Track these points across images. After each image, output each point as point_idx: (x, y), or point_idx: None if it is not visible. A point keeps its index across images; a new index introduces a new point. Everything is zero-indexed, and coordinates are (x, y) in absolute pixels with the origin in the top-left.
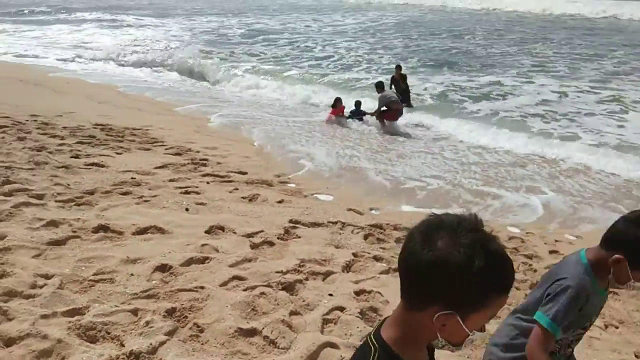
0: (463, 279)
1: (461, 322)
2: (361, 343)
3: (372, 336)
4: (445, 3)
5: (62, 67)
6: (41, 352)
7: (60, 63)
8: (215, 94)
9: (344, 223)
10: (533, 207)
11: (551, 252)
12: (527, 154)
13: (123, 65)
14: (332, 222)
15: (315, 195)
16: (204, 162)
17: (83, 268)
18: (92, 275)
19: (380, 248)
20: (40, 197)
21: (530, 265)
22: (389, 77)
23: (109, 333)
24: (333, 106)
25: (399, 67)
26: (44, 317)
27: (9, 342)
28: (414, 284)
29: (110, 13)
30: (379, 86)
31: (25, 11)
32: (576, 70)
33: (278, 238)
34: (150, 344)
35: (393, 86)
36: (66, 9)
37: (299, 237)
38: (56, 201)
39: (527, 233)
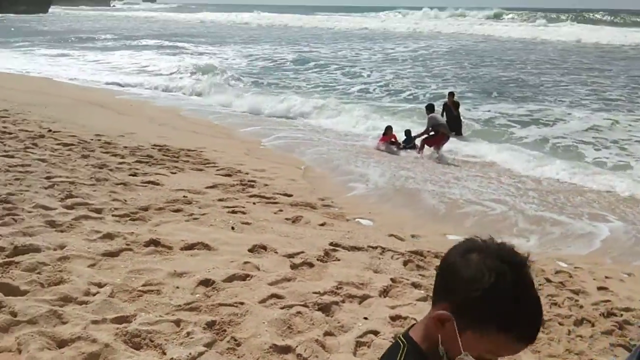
0: (473, 290)
1: (457, 331)
2: (391, 342)
3: (401, 335)
4: (498, 33)
5: (126, 91)
6: (90, 355)
7: (123, 87)
8: (276, 119)
9: (384, 248)
10: (592, 237)
11: (599, 288)
12: (579, 182)
13: (184, 93)
14: (372, 247)
15: (357, 219)
16: (252, 183)
17: (133, 279)
18: (141, 286)
19: (420, 275)
20: (99, 211)
21: (577, 300)
22: (440, 103)
23: (152, 341)
24: (384, 134)
25: (451, 94)
26: (95, 322)
27: (61, 343)
28: (437, 278)
29: (170, 40)
30: (429, 108)
31: (94, 38)
32: (631, 99)
33: (318, 260)
34: (190, 354)
35: (445, 113)
36: (130, 37)
37: (338, 260)
38: (113, 215)
39: (575, 267)
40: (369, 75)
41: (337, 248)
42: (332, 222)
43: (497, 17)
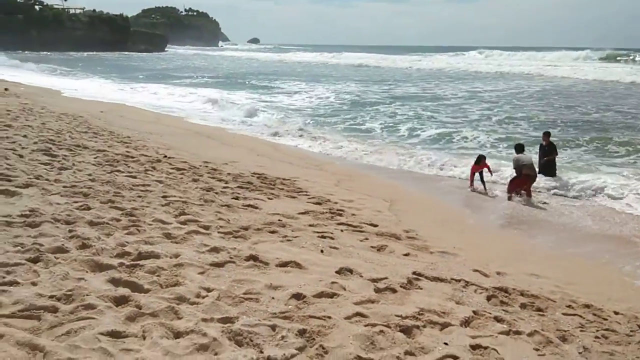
0: None
1: None
2: None
3: None
4: (592, 76)
5: (228, 124)
6: (200, 346)
7: (225, 122)
8: (365, 155)
9: (467, 282)
10: None
11: None
12: None
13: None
14: (456, 280)
15: (442, 252)
16: (340, 212)
17: (235, 287)
18: (242, 293)
19: (503, 310)
20: (206, 227)
21: None
22: (534, 143)
23: (252, 340)
24: (476, 162)
25: (547, 134)
26: (204, 320)
27: (177, 335)
28: None
29: (268, 80)
30: (517, 148)
31: (193, 76)
32: None
33: (400, 286)
34: (284, 354)
35: (539, 153)
36: (231, 75)
37: (421, 289)
38: (219, 232)
39: None
40: (450, 115)
41: (420, 277)
42: (415, 253)
43: (610, 58)
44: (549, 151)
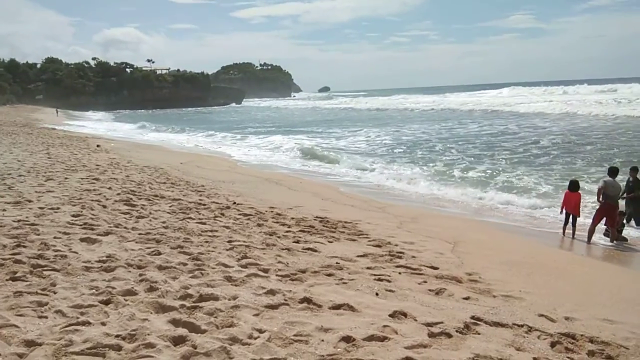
0: None
1: None
2: None
3: None
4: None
5: (290, 170)
6: None
7: (288, 169)
8: (428, 196)
9: (530, 327)
10: None
11: None
12: None
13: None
14: (518, 325)
15: (506, 296)
16: (400, 254)
17: (287, 329)
18: (293, 335)
19: (568, 358)
20: (266, 270)
21: None
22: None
23: None
24: (571, 189)
25: (634, 169)
26: None
27: None
28: None
29: (332, 127)
30: (611, 171)
31: (265, 126)
32: None
33: (456, 331)
34: None
35: (624, 189)
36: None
37: (478, 334)
38: (277, 275)
39: None
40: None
41: (478, 322)
42: (477, 297)
43: None
44: (634, 187)
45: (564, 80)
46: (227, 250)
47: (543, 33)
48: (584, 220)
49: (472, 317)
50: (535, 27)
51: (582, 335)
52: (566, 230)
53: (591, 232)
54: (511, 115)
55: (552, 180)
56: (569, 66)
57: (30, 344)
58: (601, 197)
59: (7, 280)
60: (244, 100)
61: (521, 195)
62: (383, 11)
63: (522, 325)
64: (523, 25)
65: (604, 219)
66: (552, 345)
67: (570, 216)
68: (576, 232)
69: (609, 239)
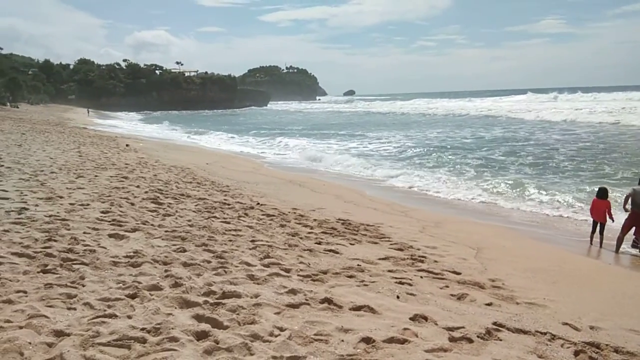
0: None
1: None
2: None
3: None
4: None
5: (313, 173)
6: None
7: (311, 171)
8: (455, 201)
9: (554, 335)
10: None
11: None
12: None
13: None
14: (541, 332)
15: (529, 303)
16: (422, 258)
17: (307, 328)
18: (313, 334)
19: None
20: (287, 270)
21: None
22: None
23: None
24: (600, 196)
25: None
26: (274, 357)
27: None
28: None
29: (357, 130)
30: None
31: (290, 128)
32: None
33: (477, 336)
34: None
35: None
36: (319, 126)
37: (500, 340)
38: (298, 275)
39: None
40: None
41: (500, 328)
42: (499, 303)
43: None
44: None
45: (596, 86)
46: (250, 249)
47: (574, 38)
48: (615, 225)
49: (494, 323)
50: (566, 32)
51: (607, 344)
52: (594, 239)
53: (620, 240)
54: (537, 121)
55: (579, 187)
56: (598, 71)
57: (59, 334)
58: (629, 205)
59: (38, 272)
60: (270, 103)
61: (548, 202)
62: (411, 15)
63: (545, 333)
64: (553, 30)
65: (633, 228)
66: (576, 354)
67: (598, 224)
68: (604, 241)
69: (637, 250)
